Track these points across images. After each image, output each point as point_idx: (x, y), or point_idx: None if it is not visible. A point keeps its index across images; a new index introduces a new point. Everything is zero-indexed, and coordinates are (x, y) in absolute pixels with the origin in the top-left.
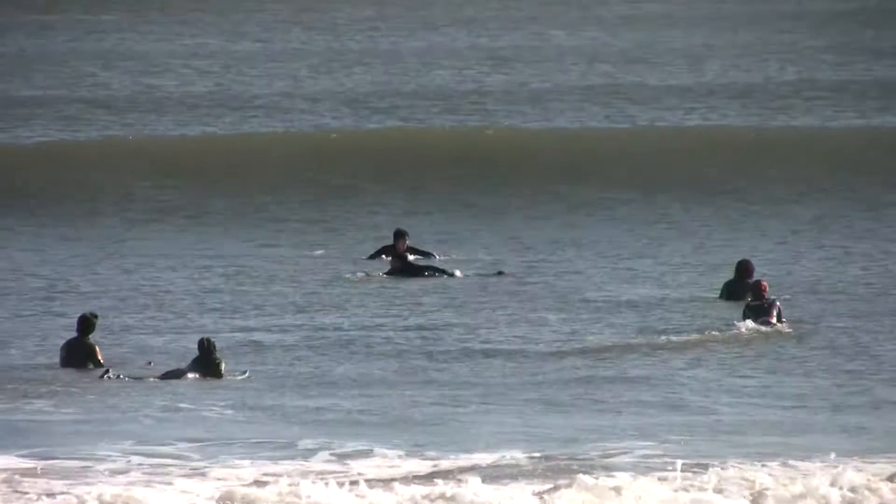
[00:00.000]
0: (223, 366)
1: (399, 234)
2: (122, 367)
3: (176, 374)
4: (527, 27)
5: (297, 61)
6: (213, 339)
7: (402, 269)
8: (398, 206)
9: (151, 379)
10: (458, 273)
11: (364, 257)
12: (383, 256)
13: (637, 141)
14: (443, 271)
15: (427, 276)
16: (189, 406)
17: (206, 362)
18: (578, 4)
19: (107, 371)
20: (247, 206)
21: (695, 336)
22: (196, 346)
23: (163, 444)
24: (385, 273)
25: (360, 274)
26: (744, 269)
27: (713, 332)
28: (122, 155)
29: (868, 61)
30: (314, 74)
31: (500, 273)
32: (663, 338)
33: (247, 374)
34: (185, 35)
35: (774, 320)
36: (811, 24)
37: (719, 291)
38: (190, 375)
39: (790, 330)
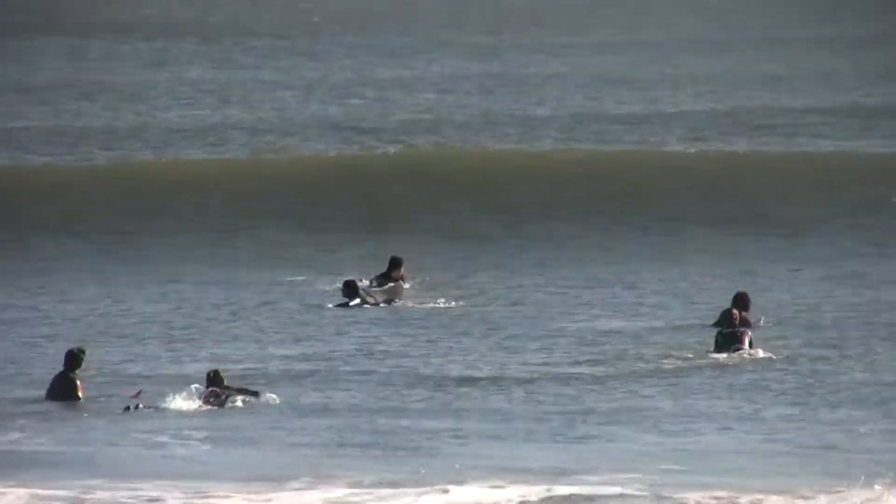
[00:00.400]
0: (246, 388)
1: (395, 262)
2: (103, 396)
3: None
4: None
5: (279, 89)
6: (218, 371)
7: (352, 298)
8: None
9: (156, 409)
10: (404, 301)
11: (367, 283)
12: (373, 284)
13: (616, 165)
14: (391, 300)
15: (376, 304)
16: (168, 440)
17: (214, 393)
18: (547, 29)
19: (127, 406)
20: (221, 234)
21: (669, 364)
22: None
23: (137, 480)
24: (339, 303)
25: (312, 301)
26: (741, 300)
27: (686, 361)
28: (92, 181)
29: (852, 86)
30: (298, 101)
31: (390, 301)
32: (638, 366)
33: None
34: (157, 64)
35: (746, 347)
36: (790, 50)
37: (716, 320)
38: (198, 406)
39: (764, 356)
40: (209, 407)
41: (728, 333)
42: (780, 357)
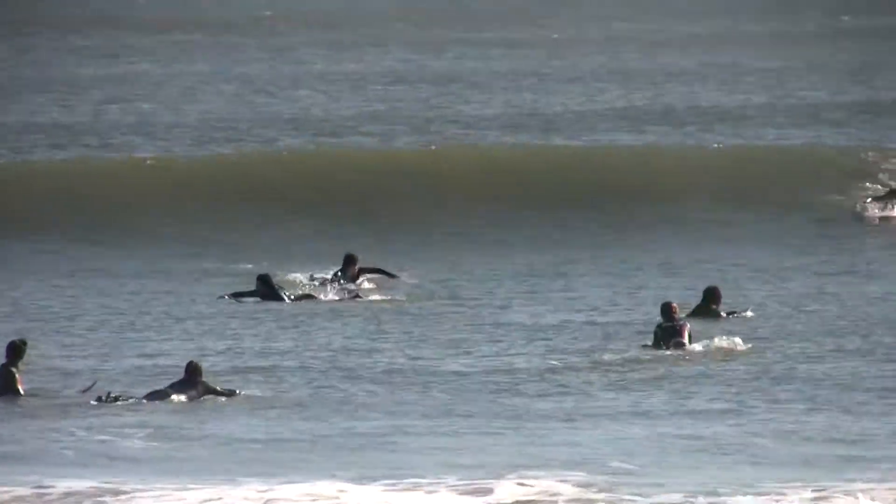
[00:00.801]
0: (219, 387)
1: (349, 259)
2: (43, 389)
3: (160, 396)
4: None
5: (246, 84)
6: (200, 363)
7: (267, 293)
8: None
9: (132, 399)
10: (322, 297)
11: (313, 279)
12: (335, 280)
13: (559, 160)
14: (307, 294)
15: (293, 299)
16: (106, 437)
17: (191, 384)
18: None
19: (96, 394)
20: (174, 230)
21: (609, 358)
22: (177, 366)
23: (72, 479)
24: (250, 294)
25: (223, 297)
26: (712, 295)
27: (625, 355)
28: (31, 179)
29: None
30: (267, 96)
31: (356, 296)
32: (578, 361)
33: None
34: (132, 60)
35: (686, 340)
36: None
37: (689, 312)
38: (174, 398)
39: (701, 349)
40: (187, 400)
41: (667, 327)
42: (724, 349)
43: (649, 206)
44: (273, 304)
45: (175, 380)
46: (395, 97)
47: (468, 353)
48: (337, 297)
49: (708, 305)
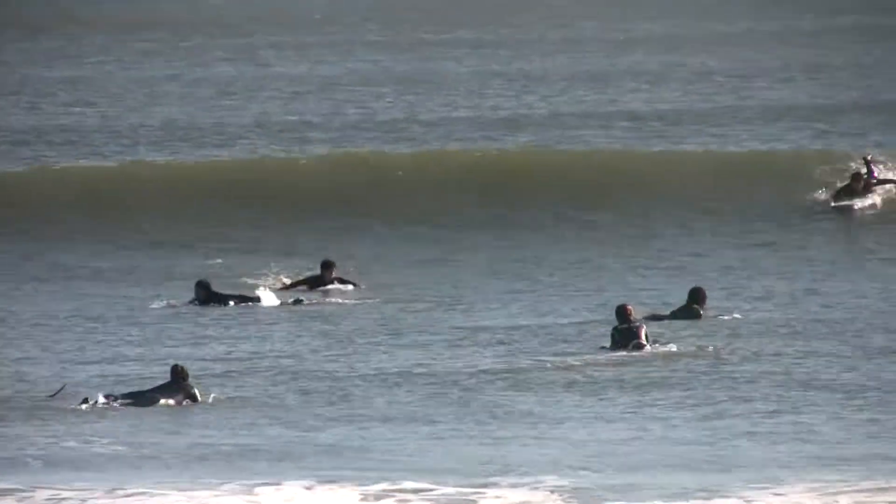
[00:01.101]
0: (198, 391)
1: (326, 265)
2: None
3: (147, 400)
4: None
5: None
6: (184, 366)
7: (207, 299)
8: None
9: (118, 403)
10: (263, 301)
11: (285, 283)
12: (304, 286)
13: (530, 162)
14: (249, 298)
15: (235, 304)
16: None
17: (177, 388)
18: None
19: (85, 399)
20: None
21: (573, 361)
22: (162, 371)
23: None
24: (190, 302)
25: (162, 303)
26: (697, 295)
27: (583, 358)
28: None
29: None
30: (243, 102)
31: (298, 301)
32: (534, 364)
33: (212, 397)
34: (103, 63)
35: (644, 341)
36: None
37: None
38: (162, 401)
39: (664, 350)
40: (174, 404)
41: (624, 329)
42: (683, 351)
43: (616, 208)
44: (216, 309)
45: (160, 383)
46: (357, 100)
47: (429, 356)
48: (278, 302)
49: (690, 305)
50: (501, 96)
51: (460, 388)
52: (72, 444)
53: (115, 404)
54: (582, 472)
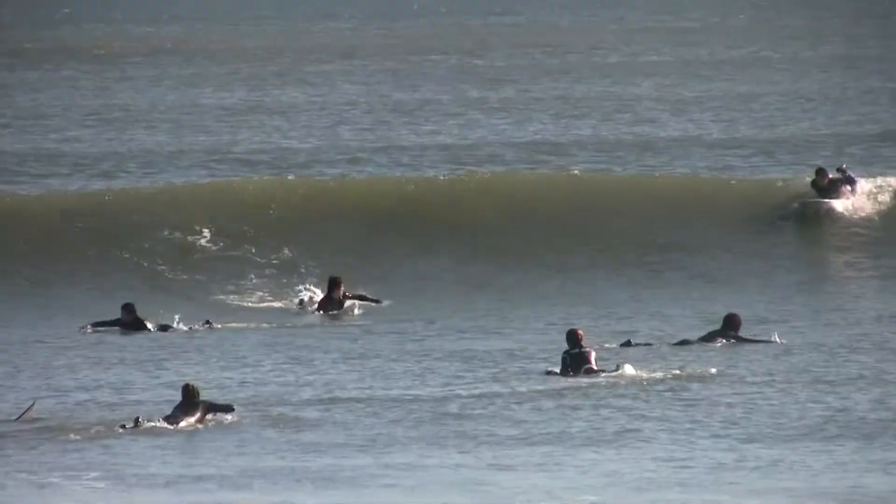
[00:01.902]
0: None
1: (334, 282)
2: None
3: (168, 421)
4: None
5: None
6: (196, 384)
7: (131, 325)
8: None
9: (157, 424)
10: (180, 326)
11: (301, 303)
12: (314, 306)
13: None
14: (167, 326)
15: (158, 329)
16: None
17: (193, 406)
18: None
19: (123, 424)
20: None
21: (523, 387)
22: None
23: None
24: (113, 322)
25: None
26: (732, 322)
27: (537, 382)
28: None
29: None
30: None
31: (207, 322)
32: (484, 387)
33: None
34: (80, 89)
35: (594, 365)
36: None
37: (702, 335)
38: (182, 423)
39: (615, 374)
40: (194, 422)
41: (575, 354)
42: (636, 375)
43: (584, 234)
44: (139, 335)
45: (176, 404)
46: (327, 125)
47: (392, 380)
48: (187, 328)
49: (726, 332)
50: (476, 125)
51: (424, 412)
52: (54, 478)
53: (145, 426)
54: (550, 497)
